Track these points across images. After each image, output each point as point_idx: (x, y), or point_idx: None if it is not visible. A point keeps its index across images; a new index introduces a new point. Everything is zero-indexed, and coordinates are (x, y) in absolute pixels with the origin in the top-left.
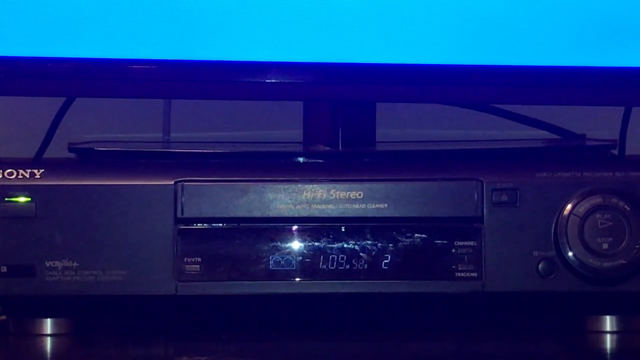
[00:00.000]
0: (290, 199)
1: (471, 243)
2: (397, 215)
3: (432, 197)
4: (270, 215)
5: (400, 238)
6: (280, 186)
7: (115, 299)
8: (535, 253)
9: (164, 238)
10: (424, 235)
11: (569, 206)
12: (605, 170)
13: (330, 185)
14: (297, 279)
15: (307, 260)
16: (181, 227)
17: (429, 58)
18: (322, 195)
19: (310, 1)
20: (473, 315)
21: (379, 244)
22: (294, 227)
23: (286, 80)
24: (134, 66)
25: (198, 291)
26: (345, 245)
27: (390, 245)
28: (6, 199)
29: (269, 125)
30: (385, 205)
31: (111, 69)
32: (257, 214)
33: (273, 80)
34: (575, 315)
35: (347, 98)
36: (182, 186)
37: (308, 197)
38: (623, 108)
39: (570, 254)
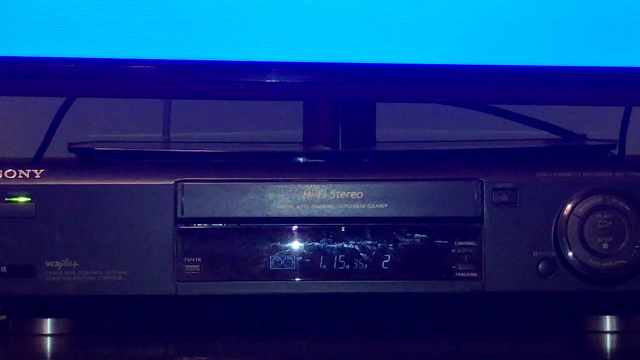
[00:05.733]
0: (290, 199)
1: (471, 243)
2: (397, 215)
3: (432, 197)
4: (270, 215)
5: (400, 238)
6: (280, 186)
7: (115, 299)
8: (535, 253)
9: (164, 238)
10: (424, 235)
11: (569, 206)
12: (605, 170)
13: (330, 185)
14: (297, 279)
15: (307, 260)
16: (181, 227)
17: (428, 58)
18: (322, 195)
19: (310, 1)
20: (473, 315)
21: (379, 244)
22: (294, 227)
23: (286, 80)
24: (134, 66)
25: (198, 291)
26: (345, 245)
27: (390, 245)
28: (6, 199)
29: (269, 125)
30: (385, 205)
31: (111, 69)
32: (257, 214)
33: (273, 80)
34: (575, 315)
35: (347, 98)
36: (182, 186)
37: (308, 197)
38: (623, 108)
39: (570, 254)
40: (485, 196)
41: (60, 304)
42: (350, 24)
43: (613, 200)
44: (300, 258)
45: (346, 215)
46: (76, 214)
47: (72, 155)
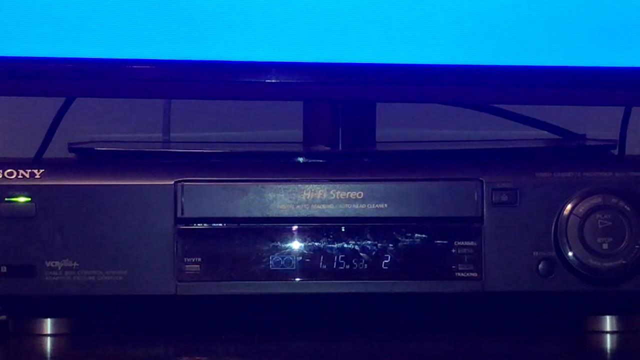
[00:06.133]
0: (290, 199)
1: (471, 243)
2: (397, 215)
3: (432, 197)
4: (270, 215)
5: (400, 238)
6: (280, 186)
7: (115, 299)
8: (535, 253)
9: (164, 238)
10: (424, 235)
11: (569, 206)
12: (605, 170)
13: (330, 185)
14: (297, 279)
15: (307, 260)
16: (181, 227)
17: (429, 58)
18: (322, 195)
19: (310, 1)
20: (473, 315)
21: (379, 244)
22: (294, 227)
23: (286, 80)
24: (134, 66)
25: (198, 291)
26: (345, 245)
27: (390, 245)
28: (6, 199)
29: (269, 125)
30: (385, 205)
31: (111, 69)
32: (257, 214)
33: (273, 80)
34: (575, 315)
35: (347, 98)
36: (182, 186)
37: (308, 197)
38: (623, 108)
39: (570, 254)
40: (485, 196)
41: (60, 304)
42: (350, 24)
43: (613, 200)
44: (300, 258)
45: (346, 215)
46: (76, 214)
47: (72, 155)
